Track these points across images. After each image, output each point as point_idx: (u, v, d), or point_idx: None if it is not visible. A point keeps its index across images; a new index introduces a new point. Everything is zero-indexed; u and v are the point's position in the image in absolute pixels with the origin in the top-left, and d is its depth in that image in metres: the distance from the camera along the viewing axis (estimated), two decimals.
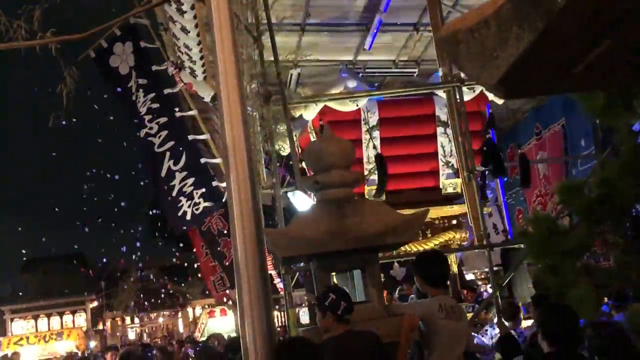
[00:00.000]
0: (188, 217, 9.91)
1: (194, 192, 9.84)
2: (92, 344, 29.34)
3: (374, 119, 9.27)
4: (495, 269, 9.04)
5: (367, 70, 11.35)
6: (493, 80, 1.38)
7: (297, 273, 8.83)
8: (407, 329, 3.79)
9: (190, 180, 9.84)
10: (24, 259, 35.65)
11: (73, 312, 30.91)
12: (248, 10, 7.55)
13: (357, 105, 8.92)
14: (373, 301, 4.00)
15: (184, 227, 11.06)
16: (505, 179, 12.69)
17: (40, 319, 30.16)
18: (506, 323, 6.73)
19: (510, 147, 14.91)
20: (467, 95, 9.07)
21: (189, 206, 9.87)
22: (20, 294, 32.16)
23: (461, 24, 1.41)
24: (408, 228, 4.02)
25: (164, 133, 9.87)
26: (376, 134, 9.19)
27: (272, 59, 7.42)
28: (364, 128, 9.18)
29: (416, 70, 11.18)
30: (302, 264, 6.76)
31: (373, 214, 3.99)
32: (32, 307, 30.36)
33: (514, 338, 5.86)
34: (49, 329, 29.87)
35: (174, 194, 9.86)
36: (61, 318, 30.54)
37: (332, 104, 8.82)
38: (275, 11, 8.05)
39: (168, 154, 9.83)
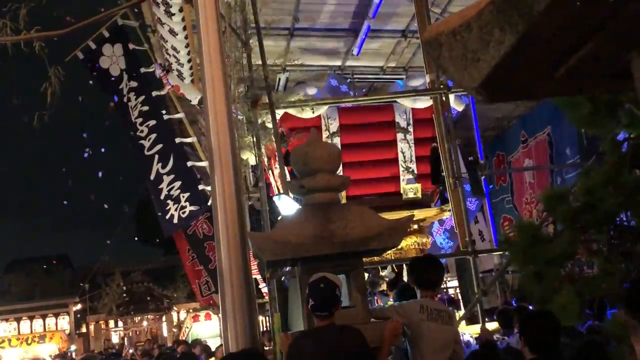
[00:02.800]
0: (175, 220, 9.93)
1: (181, 195, 9.87)
2: (74, 347, 29.05)
3: (334, 126, 9.32)
4: (481, 275, 9.08)
5: (355, 76, 11.38)
6: (475, 83, 1.38)
7: (282, 277, 8.80)
8: (390, 334, 3.79)
9: (177, 184, 9.86)
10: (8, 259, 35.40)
11: (56, 315, 30.55)
12: (236, 14, 7.54)
13: (313, 112, 8.92)
14: (357, 306, 3.99)
15: (172, 230, 11.07)
16: (491, 186, 12.76)
17: (22, 321, 29.78)
18: (500, 331, 6.75)
19: (497, 155, 15.01)
20: (424, 103, 9.16)
21: (175, 209, 9.90)
22: (3, 295, 31.78)
23: (444, 27, 1.41)
24: (393, 233, 4.02)
25: (153, 136, 9.90)
26: (337, 140, 9.24)
27: (260, 62, 7.42)
28: (324, 135, 9.20)
29: (404, 76, 11.23)
30: (287, 268, 6.74)
31: (358, 218, 3.99)
32: (14, 309, 29.99)
33: (495, 346, 5.85)
34: (32, 332, 29.49)
35: (162, 197, 9.89)
36: (44, 320, 30.16)
37: (291, 111, 8.80)
38: (264, 15, 8.05)
39: (157, 157, 9.86)
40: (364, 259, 4.22)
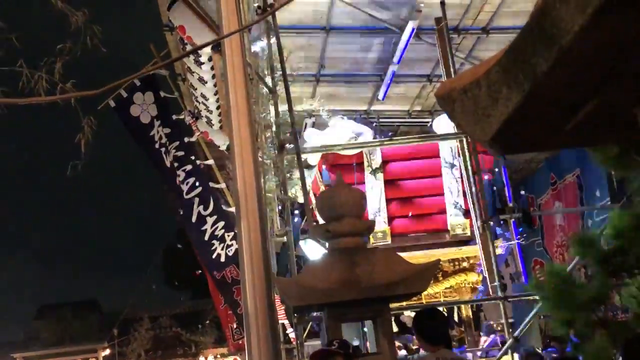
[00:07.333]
0: (222, 259, 10.16)
1: (226, 234, 10.11)
2: None
3: (377, 161, 9.19)
4: (511, 321, 8.87)
5: (381, 120, 11.46)
6: (487, 137, 1.42)
7: (311, 322, 8.72)
8: None
9: (221, 224, 10.11)
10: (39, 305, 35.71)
11: None
12: (263, 62, 7.71)
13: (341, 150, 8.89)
14: (384, 353, 3.95)
15: (220, 269, 11.30)
16: (521, 229, 12.57)
17: None
18: None
19: (525, 196, 14.85)
20: None
21: (222, 249, 10.14)
22: (33, 340, 32.01)
23: (456, 84, 1.47)
24: (419, 278, 4.00)
25: (191, 180, 10.15)
26: (380, 176, 9.11)
27: (287, 108, 7.53)
28: (367, 171, 9.11)
29: (430, 119, 11.27)
30: (314, 314, 6.71)
31: (384, 263, 3.98)
32: (44, 354, 30.16)
33: None
34: None
35: (206, 238, 10.11)
36: None
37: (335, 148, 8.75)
38: (291, 62, 8.20)
39: (197, 199, 10.09)
40: (390, 304, 4.19)
